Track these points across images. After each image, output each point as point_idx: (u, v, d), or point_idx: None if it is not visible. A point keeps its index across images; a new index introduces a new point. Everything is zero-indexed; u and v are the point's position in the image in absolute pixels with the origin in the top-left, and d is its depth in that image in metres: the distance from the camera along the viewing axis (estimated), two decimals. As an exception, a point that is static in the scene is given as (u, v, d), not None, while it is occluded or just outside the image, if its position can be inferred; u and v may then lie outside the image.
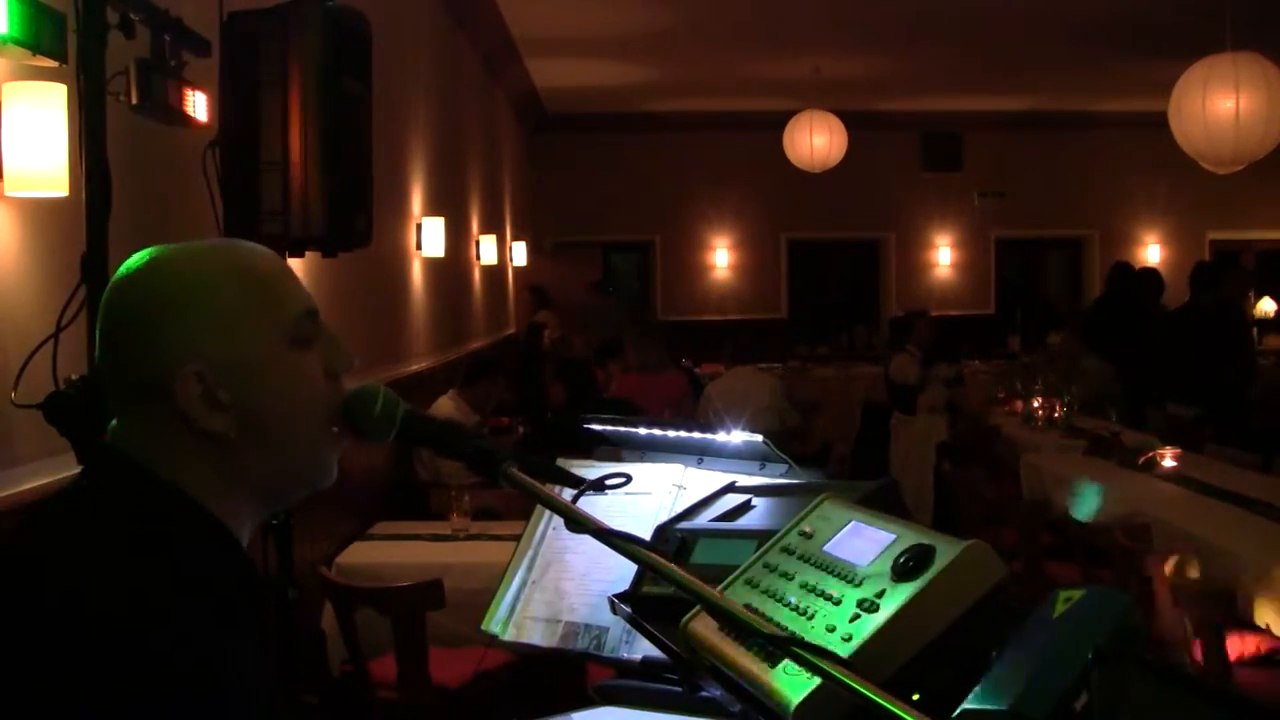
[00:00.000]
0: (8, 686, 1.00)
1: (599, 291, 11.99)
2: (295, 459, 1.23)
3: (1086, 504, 5.12)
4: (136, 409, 1.18)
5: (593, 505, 1.29)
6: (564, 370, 6.82)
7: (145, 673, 1.00)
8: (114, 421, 1.20)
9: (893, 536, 1.30)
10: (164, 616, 1.04)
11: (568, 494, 1.41)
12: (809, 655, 1.01)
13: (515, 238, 11.17)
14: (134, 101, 2.55)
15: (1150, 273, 8.89)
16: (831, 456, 8.89)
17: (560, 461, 1.90)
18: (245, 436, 1.17)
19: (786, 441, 6.36)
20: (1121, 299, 8.21)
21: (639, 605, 1.61)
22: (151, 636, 1.02)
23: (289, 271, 1.26)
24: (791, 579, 1.34)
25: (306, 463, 1.24)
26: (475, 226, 8.79)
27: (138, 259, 1.21)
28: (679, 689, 1.60)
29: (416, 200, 6.51)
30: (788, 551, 1.40)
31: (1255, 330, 12.89)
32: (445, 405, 5.79)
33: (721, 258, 13.43)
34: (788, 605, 1.30)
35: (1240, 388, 7.03)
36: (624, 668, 1.74)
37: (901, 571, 1.23)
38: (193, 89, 2.75)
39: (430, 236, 6.49)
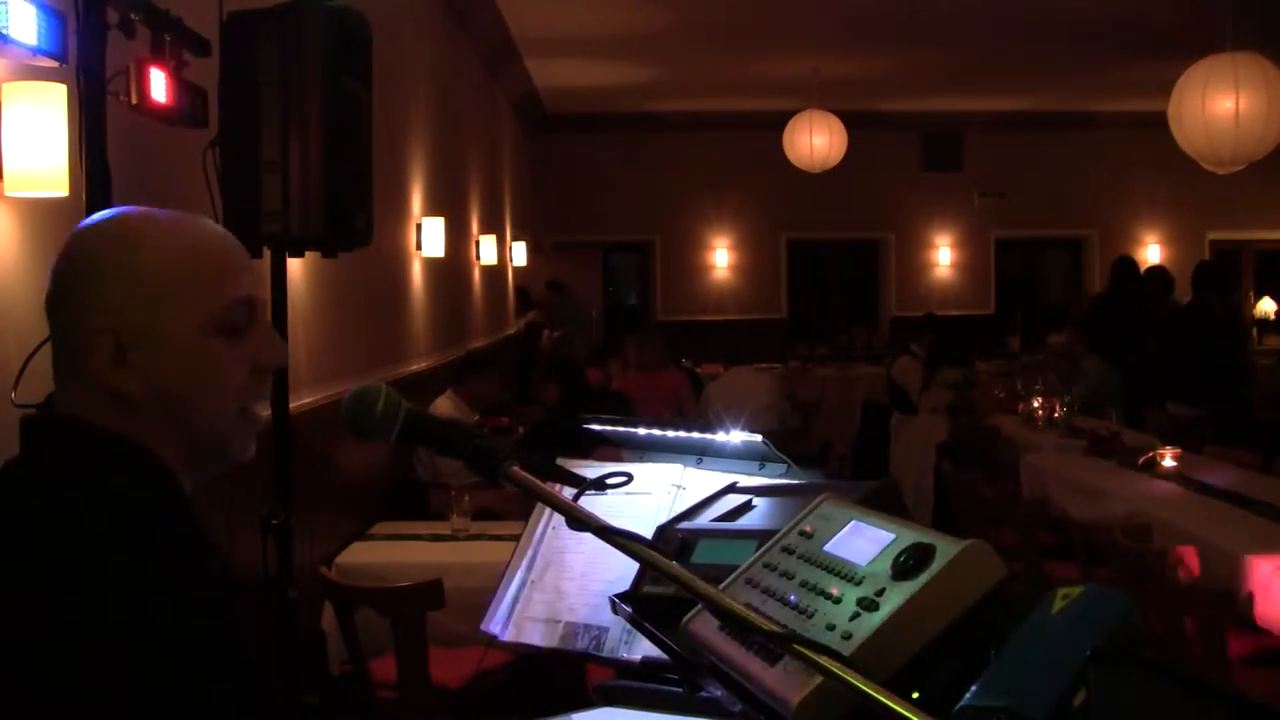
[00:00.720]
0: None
1: (553, 290, 12.13)
2: (199, 436, 1.24)
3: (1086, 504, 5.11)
4: (66, 363, 1.22)
5: (593, 505, 1.29)
6: (557, 370, 6.82)
7: (126, 575, 1.07)
8: (54, 376, 1.25)
9: (892, 536, 1.30)
10: (142, 523, 1.12)
11: (568, 493, 1.41)
12: (810, 653, 1.01)
13: (515, 238, 11.17)
14: (134, 101, 2.55)
15: (1157, 271, 8.78)
16: (831, 456, 8.88)
17: (560, 461, 1.90)
18: (150, 403, 1.20)
19: (786, 441, 6.37)
20: (1123, 296, 8.16)
21: (639, 605, 1.61)
22: (130, 542, 1.09)
23: (239, 260, 1.27)
24: (792, 578, 1.34)
25: (210, 443, 1.25)
26: (475, 226, 8.79)
27: (102, 213, 1.25)
28: (679, 689, 1.60)
29: (416, 200, 6.51)
30: (788, 551, 1.40)
31: (1255, 330, 12.93)
32: (444, 405, 5.79)
33: (721, 258, 13.43)
34: (788, 604, 1.30)
35: (1239, 388, 7.03)
36: (624, 668, 1.74)
37: (901, 571, 1.23)
38: (193, 89, 2.75)
39: (430, 236, 6.50)
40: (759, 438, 1.85)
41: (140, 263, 1.20)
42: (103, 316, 1.18)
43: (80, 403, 1.21)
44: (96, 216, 1.25)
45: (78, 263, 1.21)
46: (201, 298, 1.21)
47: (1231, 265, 12.17)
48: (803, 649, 1.02)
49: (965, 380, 8.15)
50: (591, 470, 1.88)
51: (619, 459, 2.08)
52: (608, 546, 1.22)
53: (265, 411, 1.33)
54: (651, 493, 1.91)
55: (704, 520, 1.74)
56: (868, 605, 1.22)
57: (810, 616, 1.26)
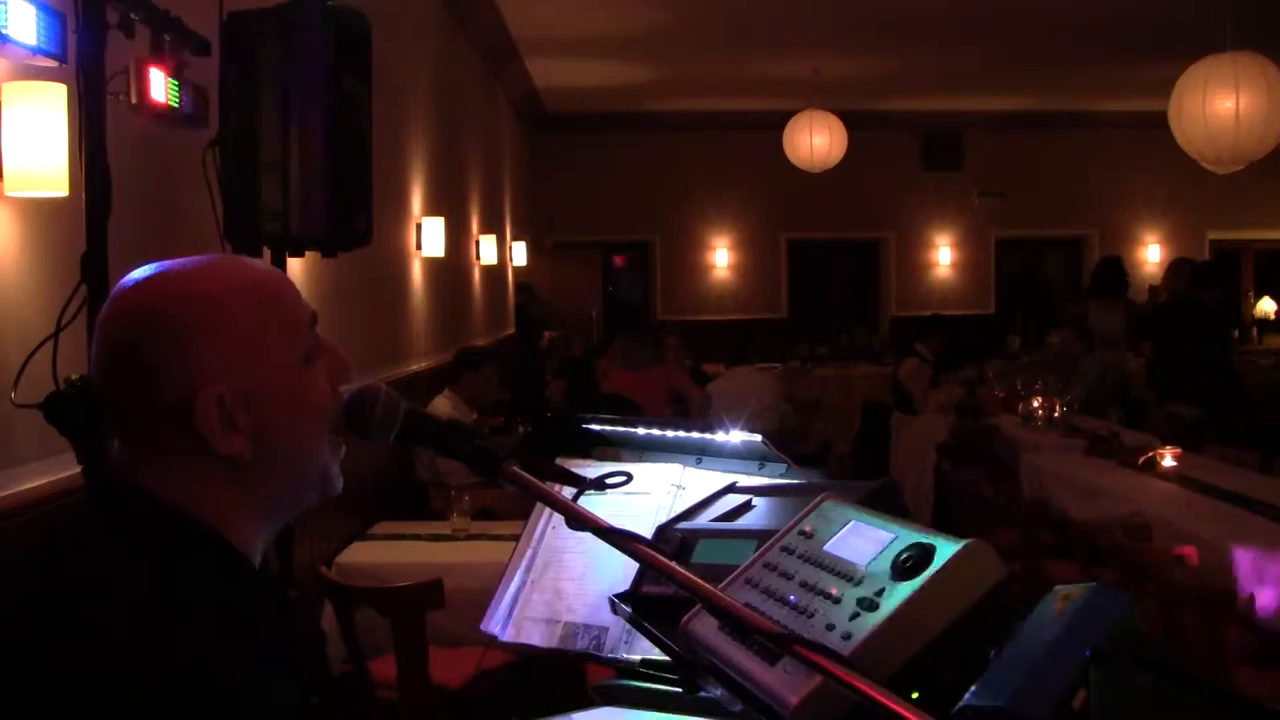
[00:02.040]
0: (26, 707, 0.99)
1: (521, 292, 12.20)
2: (307, 475, 1.22)
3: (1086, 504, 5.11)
4: (143, 432, 1.15)
5: (592, 505, 1.29)
6: (566, 368, 6.83)
7: (148, 686, 0.99)
8: (118, 445, 1.17)
9: (892, 536, 1.30)
10: (165, 633, 1.02)
11: (568, 493, 1.41)
12: (809, 653, 1.01)
13: (515, 238, 11.17)
14: (134, 101, 2.55)
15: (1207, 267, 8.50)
16: (831, 456, 8.89)
17: (560, 461, 1.90)
18: (260, 457, 1.15)
19: (786, 441, 6.37)
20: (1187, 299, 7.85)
21: (639, 605, 1.61)
22: (154, 652, 1.01)
23: (290, 282, 1.24)
24: (792, 578, 1.34)
25: (317, 477, 1.23)
26: (475, 226, 8.79)
27: (139, 277, 1.17)
28: (679, 689, 1.60)
29: (416, 200, 6.51)
30: (788, 551, 1.40)
31: (1255, 330, 12.92)
32: (442, 405, 5.79)
33: (721, 258, 13.43)
34: (788, 604, 1.30)
35: (1235, 386, 7.03)
36: (624, 668, 1.74)
37: (901, 570, 1.23)
38: (193, 89, 2.75)
39: (430, 236, 6.50)
40: (758, 438, 1.84)
41: (222, 320, 1.14)
42: (201, 385, 1.12)
43: (171, 478, 1.14)
44: (137, 280, 1.16)
45: (147, 332, 1.13)
46: (287, 336, 1.18)
47: (1224, 264, 12.14)
48: (803, 649, 1.02)
49: (979, 378, 8.15)
50: (591, 470, 1.88)
51: (618, 459, 2.08)
52: (607, 546, 1.22)
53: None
54: (651, 493, 1.91)
55: (704, 520, 1.74)
56: (868, 605, 1.22)
57: (810, 616, 1.26)
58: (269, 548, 1.27)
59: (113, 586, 1.05)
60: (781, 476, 1.83)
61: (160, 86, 2.60)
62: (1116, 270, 8.72)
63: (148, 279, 1.17)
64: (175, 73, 2.66)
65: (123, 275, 1.20)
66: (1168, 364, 7.34)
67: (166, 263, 1.20)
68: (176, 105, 2.68)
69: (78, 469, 2.15)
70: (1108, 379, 7.77)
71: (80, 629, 1.01)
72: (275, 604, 1.21)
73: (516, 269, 11.30)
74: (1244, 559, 3.85)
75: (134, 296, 1.16)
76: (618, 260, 14.07)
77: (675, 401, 7.40)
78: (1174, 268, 7.94)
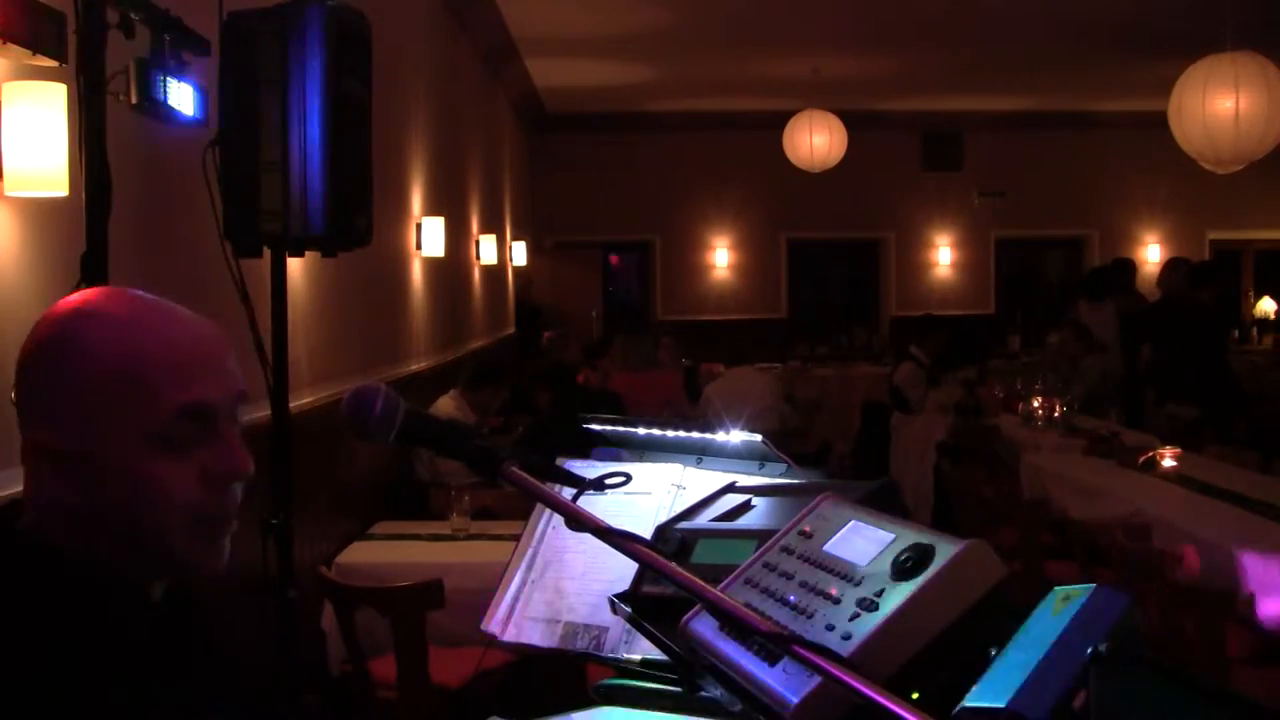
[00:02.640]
0: None
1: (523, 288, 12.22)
2: (150, 549, 1.16)
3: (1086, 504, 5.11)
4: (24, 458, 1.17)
5: (592, 505, 1.29)
6: (549, 375, 6.83)
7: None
8: None
9: (892, 536, 1.30)
10: (22, 669, 1.03)
11: (568, 493, 1.41)
12: (809, 653, 1.01)
13: (515, 238, 11.17)
14: (134, 101, 2.55)
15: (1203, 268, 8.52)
16: (831, 456, 8.89)
17: (559, 461, 1.90)
18: (94, 515, 1.14)
19: (786, 441, 6.37)
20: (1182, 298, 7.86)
21: (639, 605, 1.61)
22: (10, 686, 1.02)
23: (196, 362, 1.17)
24: (791, 578, 1.34)
25: (162, 556, 1.17)
26: (475, 226, 8.79)
27: (70, 300, 1.18)
28: (679, 689, 1.60)
29: (416, 200, 6.51)
30: (788, 551, 1.40)
31: (1255, 330, 12.92)
32: (446, 405, 5.79)
33: (721, 258, 13.43)
34: (788, 604, 1.30)
35: (1233, 386, 7.03)
36: (624, 668, 1.74)
37: (901, 571, 1.23)
38: (193, 89, 2.75)
39: (430, 236, 6.49)
40: (758, 437, 1.84)
41: (72, 375, 1.13)
42: (40, 428, 1.13)
43: (35, 509, 1.16)
44: (64, 306, 1.17)
45: (23, 364, 1.16)
46: (139, 411, 1.13)
47: (1221, 263, 12.14)
48: (803, 649, 1.02)
49: (979, 377, 8.15)
50: (591, 470, 1.88)
51: (617, 459, 2.08)
52: (607, 546, 1.22)
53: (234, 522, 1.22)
54: (651, 493, 1.91)
55: (703, 520, 1.74)
56: (867, 605, 1.22)
57: (810, 616, 1.26)
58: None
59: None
60: (781, 476, 1.83)
61: (160, 86, 2.60)
62: (1115, 272, 8.72)
63: (67, 309, 1.18)
64: (175, 73, 2.66)
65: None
66: (1165, 364, 7.34)
67: (102, 300, 1.19)
68: (176, 105, 2.67)
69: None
70: (1108, 379, 7.77)
71: None
72: (148, 624, 1.17)
73: (516, 269, 11.30)
74: (1251, 563, 3.84)
75: (45, 318, 1.18)
76: (613, 260, 14.07)
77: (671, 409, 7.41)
78: (1170, 267, 7.94)
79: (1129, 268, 9.12)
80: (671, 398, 7.39)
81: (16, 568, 1.12)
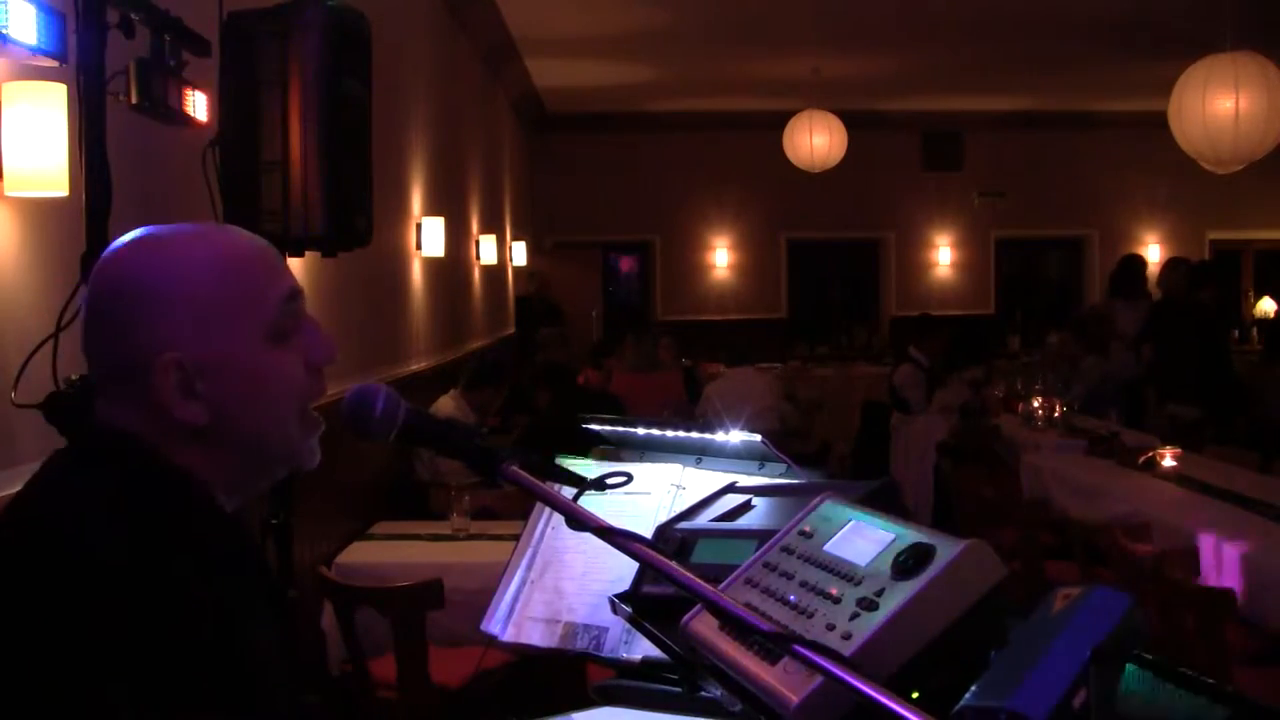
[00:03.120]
0: (20, 637, 1.02)
1: (532, 280, 12.18)
2: (267, 449, 1.23)
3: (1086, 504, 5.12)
4: (117, 389, 1.18)
5: (592, 505, 1.29)
6: (548, 374, 6.84)
7: (149, 615, 1.02)
8: (99, 399, 1.20)
9: (893, 536, 1.30)
10: (163, 567, 1.06)
11: (568, 493, 1.41)
12: (810, 652, 1.01)
13: (515, 238, 11.17)
14: (134, 101, 2.55)
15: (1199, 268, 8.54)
16: (831, 456, 8.89)
17: (559, 461, 1.90)
18: (219, 427, 1.17)
19: (787, 441, 6.37)
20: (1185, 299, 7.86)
21: (639, 605, 1.61)
22: (151, 583, 1.05)
23: (273, 255, 1.25)
24: (792, 578, 1.34)
25: (280, 453, 1.24)
26: (475, 226, 8.79)
27: (127, 238, 1.21)
28: (679, 689, 1.60)
29: (416, 200, 6.51)
30: (788, 551, 1.40)
31: (1255, 330, 12.91)
32: (446, 405, 5.79)
33: (721, 258, 13.43)
34: (788, 604, 1.30)
35: (1234, 386, 7.04)
36: (624, 668, 1.74)
37: (901, 570, 1.23)
38: (193, 89, 2.75)
39: (430, 236, 6.50)
40: (758, 438, 1.84)
41: (188, 289, 1.17)
42: (160, 350, 1.15)
43: (141, 428, 1.17)
44: (125, 242, 1.21)
45: (122, 293, 1.17)
46: (257, 308, 1.19)
47: (1220, 263, 12.14)
48: (803, 649, 1.02)
49: (985, 377, 8.15)
50: (591, 470, 1.88)
51: (617, 459, 2.08)
52: (607, 546, 1.22)
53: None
54: (651, 493, 1.91)
55: (703, 520, 1.74)
56: (868, 605, 1.22)
57: (810, 616, 1.26)
58: (268, 534, 1.30)
59: (104, 519, 1.08)
60: (781, 476, 1.83)
61: (160, 86, 2.60)
62: (1138, 269, 8.68)
63: (130, 242, 1.21)
64: (175, 72, 2.66)
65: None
66: (1166, 364, 7.34)
67: (156, 228, 1.22)
68: (176, 105, 2.67)
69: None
70: (1115, 379, 7.76)
71: (77, 556, 1.04)
72: (253, 550, 1.23)
73: (516, 269, 11.30)
74: (1206, 544, 3.98)
75: (116, 254, 1.20)
76: (624, 264, 14.04)
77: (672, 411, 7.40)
78: (1170, 267, 7.95)
79: (1141, 265, 9.07)
80: (673, 400, 7.38)
81: (143, 487, 1.14)
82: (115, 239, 2.15)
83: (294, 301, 1.23)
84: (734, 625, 1.24)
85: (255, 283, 1.20)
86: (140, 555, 1.06)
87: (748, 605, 1.24)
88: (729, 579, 1.41)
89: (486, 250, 8.86)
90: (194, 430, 1.17)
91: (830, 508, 1.43)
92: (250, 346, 1.19)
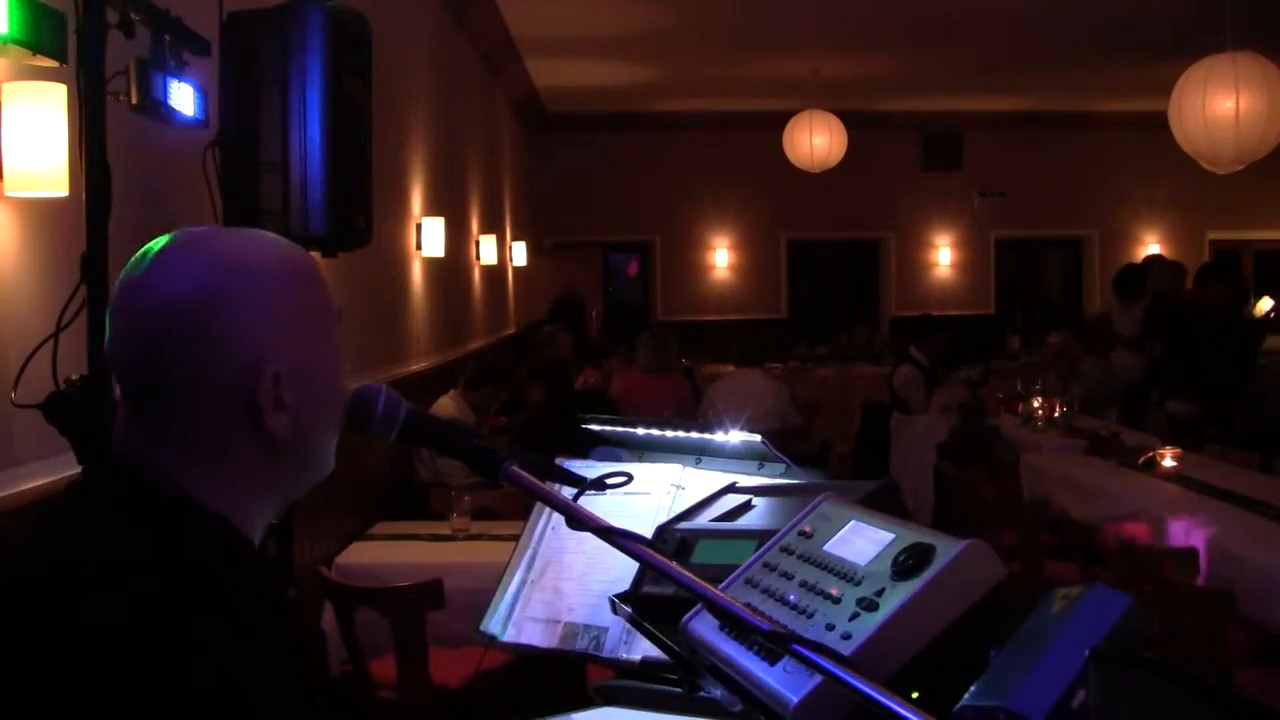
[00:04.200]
0: (29, 703, 0.96)
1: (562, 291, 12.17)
2: (320, 457, 1.21)
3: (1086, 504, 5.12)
4: (174, 409, 1.10)
5: (591, 505, 1.29)
6: (542, 372, 6.83)
7: (163, 687, 0.96)
8: (124, 423, 1.13)
9: (892, 536, 1.30)
10: (182, 632, 0.99)
11: (568, 493, 1.41)
12: (810, 652, 1.01)
13: (515, 238, 11.17)
14: (134, 101, 2.55)
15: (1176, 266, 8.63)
16: (831, 456, 8.89)
17: (559, 461, 1.90)
18: (292, 437, 1.14)
19: (787, 441, 6.37)
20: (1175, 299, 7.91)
21: (639, 605, 1.61)
22: (168, 652, 0.97)
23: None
24: (791, 578, 1.34)
25: (324, 458, 1.22)
26: (475, 226, 8.79)
27: (173, 245, 1.13)
28: (679, 689, 1.60)
29: (416, 200, 6.51)
30: (788, 551, 1.40)
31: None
32: (446, 405, 5.79)
33: (721, 258, 13.43)
34: (788, 604, 1.30)
35: (1241, 386, 7.03)
36: (624, 668, 1.74)
37: (901, 570, 1.23)
38: (193, 89, 2.75)
39: (430, 236, 6.50)
40: (758, 438, 1.84)
41: (274, 293, 1.13)
42: (262, 361, 1.10)
43: (184, 462, 1.10)
44: (181, 250, 1.12)
45: (207, 306, 1.09)
46: (326, 312, 1.18)
47: (1225, 261, 12.14)
48: (803, 649, 1.02)
49: (983, 377, 8.14)
50: (591, 470, 1.88)
51: (617, 459, 2.08)
52: (607, 546, 1.22)
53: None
54: (651, 493, 1.91)
55: (703, 520, 1.74)
56: (867, 605, 1.22)
57: (810, 616, 1.26)
58: (268, 535, 1.25)
59: (118, 577, 1.01)
60: (781, 476, 1.83)
61: (160, 86, 2.60)
62: (1141, 273, 8.71)
63: (192, 246, 1.13)
64: (175, 73, 2.66)
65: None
66: (1163, 363, 7.34)
67: (199, 232, 1.16)
68: (176, 105, 2.67)
69: (78, 469, 2.15)
70: (1118, 379, 7.76)
71: (84, 624, 0.98)
72: (277, 594, 1.18)
73: (516, 269, 11.30)
74: (1205, 544, 4.05)
75: (182, 263, 1.12)
76: (632, 268, 13.98)
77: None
78: (1159, 267, 7.99)
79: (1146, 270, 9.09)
80: (678, 402, 7.35)
81: (197, 534, 1.08)
82: (115, 239, 2.14)
83: (339, 314, 1.22)
84: (734, 625, 1.24)
85: (321, 286, 1.19)
86: (156, 622, 0.99)
87: (748, 605, 1.24)
88: (729, 579, 1.41)
89: (486, 250, 8.86)
90: (262, 448, 1.12)
91: (830, 508, 1.43)
92: (329, 351, 1.17)
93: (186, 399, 1.10)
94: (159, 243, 1.14)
